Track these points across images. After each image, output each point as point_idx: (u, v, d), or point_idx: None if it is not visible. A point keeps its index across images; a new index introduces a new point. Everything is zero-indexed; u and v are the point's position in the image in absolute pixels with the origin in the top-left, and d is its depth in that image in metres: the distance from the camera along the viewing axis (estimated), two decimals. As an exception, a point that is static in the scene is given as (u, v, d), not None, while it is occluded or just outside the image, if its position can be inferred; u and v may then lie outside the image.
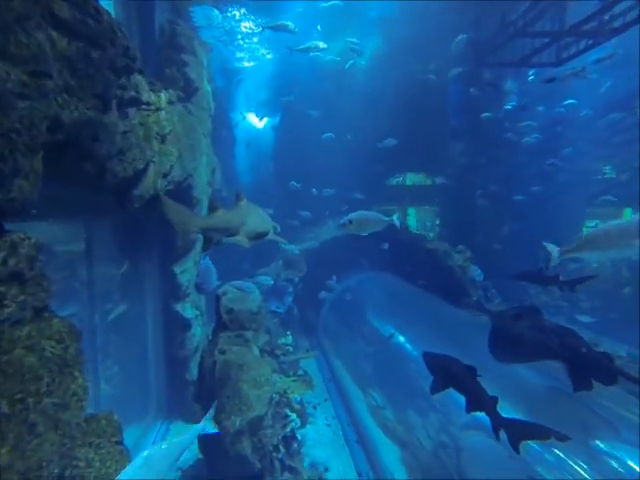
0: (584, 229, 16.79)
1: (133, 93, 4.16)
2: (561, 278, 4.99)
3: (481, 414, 2.90)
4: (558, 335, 3.14)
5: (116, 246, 7.31)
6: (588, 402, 5.44)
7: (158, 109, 5.38)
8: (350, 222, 3.77)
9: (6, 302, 2.00)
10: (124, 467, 2.52)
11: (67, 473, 2.10)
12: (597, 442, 5.15)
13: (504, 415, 2.82)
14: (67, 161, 3.11)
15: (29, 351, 2.02)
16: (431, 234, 16.95)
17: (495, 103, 13.12)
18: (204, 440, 4.81)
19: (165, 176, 5.66)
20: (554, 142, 12.65)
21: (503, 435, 2.75)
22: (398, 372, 8.62)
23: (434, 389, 2.94)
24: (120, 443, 2.56)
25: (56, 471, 1.96)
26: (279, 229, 4.09)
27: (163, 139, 5.56)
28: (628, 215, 16.27)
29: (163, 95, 5.59)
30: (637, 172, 13.41)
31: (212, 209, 3.36)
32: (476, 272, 10.94)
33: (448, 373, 2.92)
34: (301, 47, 9.87)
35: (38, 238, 2.27)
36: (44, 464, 1.86)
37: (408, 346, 9.14)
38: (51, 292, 2.39)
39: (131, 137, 4.50)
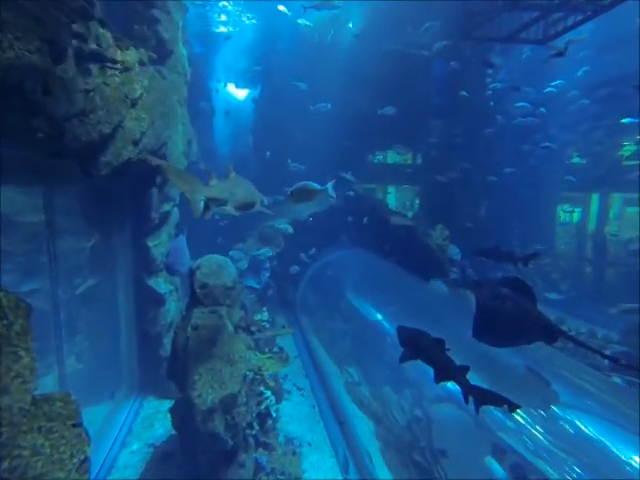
0: (559, 213, 17.19)
1: (94, 46, 3.77)
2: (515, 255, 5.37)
3: (452, 387, 3.04)
4: (513, 300, 3.31)
5: (84, 217, 6.92)
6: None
7: (126, 69, 4.97)
8: (291, 193, 3.81)
9: None
10: (82, 451, 2.34)
11: (4, 465, 1.89)
12: (553, 408, 5.44)
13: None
14: (12, 114, 2.76)
15: (-41, 328, 1.78)
16: (410, 213, 16.93)
17: (480, 81, 12.92)
18: (176, 416, 4.68)
19: (136, 143, 5.30)
20: (533, 125, 12.60)
21: (472, 406, 2.84)
22: (374, 349, 8.67)
23: (402, 359, 3.06)
24: (77, 425, 2.36)
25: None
26: (266, 202, 4.24)
27: (133, 103, 5.16)
28: (596, 201, 16.74)
29: (132, 53, 5.16)
30: (598, 158, 13.68)
31: (209, 179, 3.47)
32: (454, 251, 10.98)
33: (417, 345, 3.02)
34: (314, 3, 9.35)
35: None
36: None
37: (385, 324, 9.19)
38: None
39: (95, 97, 4.13)
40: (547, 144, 12.09)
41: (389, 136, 13.50)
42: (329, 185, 4.02)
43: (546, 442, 5.06)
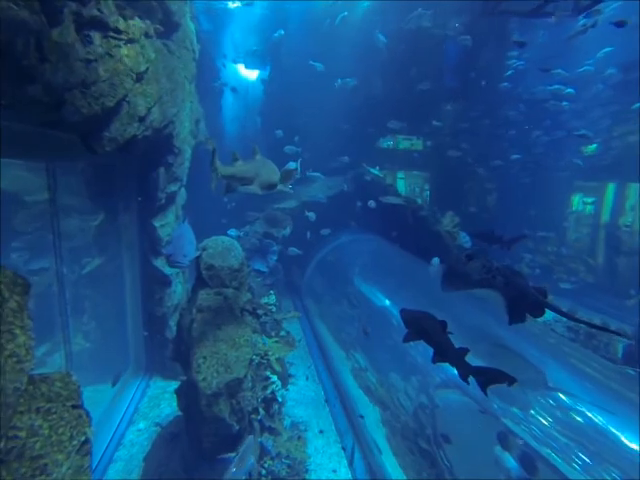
0: (573, 202, 16.79)
1: (94, 11, 3.57)
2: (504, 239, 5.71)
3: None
4: (504, 275, 3.40)
5: (89, 196, 6.84)
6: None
7: (131, 40, 4.76)
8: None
9: None
10: (82, 433, 2.26)
11: (0, 446, 1.80)
12: (562, 397, 5.36)
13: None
14: (3, 77, 2.60)
15: (-53, 303, 1.66)
16: (419, 200, 16.66)
17: (500, 61, 12.36)
18: (182, 397, 4.64)
19: (142, 120, 5.13)
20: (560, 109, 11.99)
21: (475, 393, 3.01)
22: (382, 335, 8.58)
23: (405, 339, 3.06)
24: (78, 407, 2.28)
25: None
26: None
27: (139, 78, 4.97)
28: (611, 191, 16.26)
29: (137, 24, 4.95)
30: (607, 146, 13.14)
31: (233, 159, 3.67)
32: (464, 239, 10.77)
33: (419, 325, 3.03)
34: None
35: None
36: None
37: (393, 310, 9.07)
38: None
39: (98, 68, 3.96)
40: (583, 131, 11.36)
41: (400, 120, 13.13)
42: (292, 163, 4.14)
43: (553, 430, 4.98)
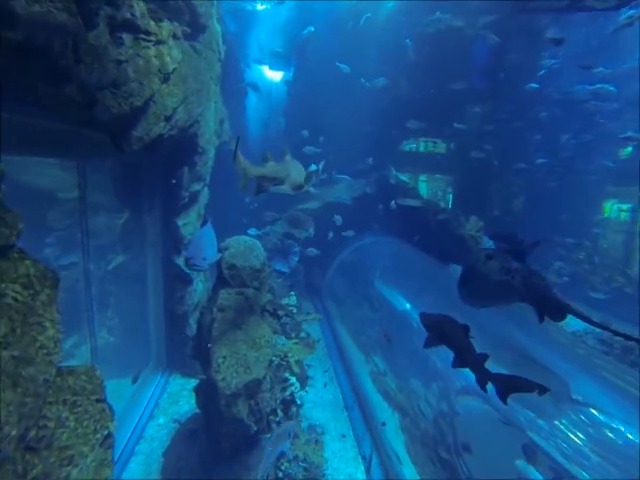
0: (605, 208, 16.13)
1: (127, 15, 3.65)
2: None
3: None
4: (523, 276, 3.33)
5: (116, 194, 6.99)
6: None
7: (160, 42, 4.85)
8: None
9: (-45, 236, 1.66)
10: (105, 427, 2.28)
11: (31, 434, 1.83)
12: (593, 411, 5.07)
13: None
14: (41, 78, 2.68)
15: (-17, 295, 1.70)
16: (442, 203, 16.38)
17: (531, 60, 11.91)
18: (201, 395, 4.67)
19: (168, 119, 5.20)
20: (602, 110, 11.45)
21: (497, 401, 2.75)
22: (402, 340, 8.46)
23: (427, 344, 3.01)
24: (101, 401, 2.31)
25: (13, 433, 1.69)
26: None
27: (166, 78, 5.05)
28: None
29: (166, 26, 5.03)
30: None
31: (264, 160, 3.76)
32: (488, 243, 10.51)
33: (440, 329, 2.98)
34: None
35: (1, 165, 1.89)
36: (-4, 426, 1.58)
37: (414, 314, 8.93)
38: (19, 230, 2.05)
39: (128, 69, 4.04)
40: (630, 133, 10.77)
41: (424, 122, 12.92)
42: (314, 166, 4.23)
43: (585, 448, 4.73)
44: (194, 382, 6.32)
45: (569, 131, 12.64)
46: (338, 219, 10.31)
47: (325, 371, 7.58)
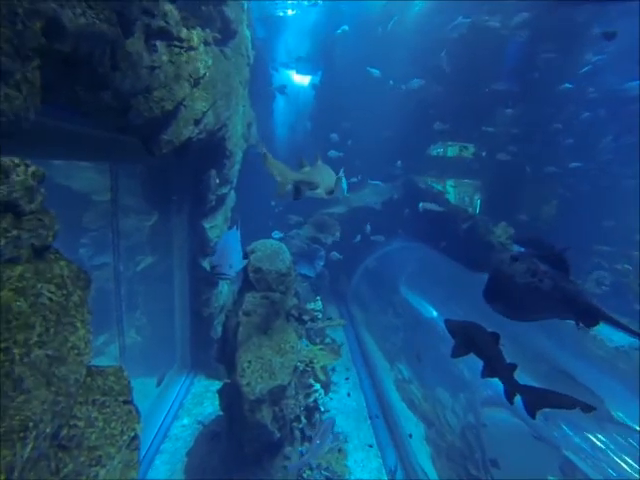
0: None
1: (162, 23, 3.71)
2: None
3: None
4: (552, 279, 3.16)
5: (145, 197, 7.14)
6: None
7: (191, 48, 4.93)
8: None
9: (-4, 236, 1.70)
10: (132, 428, 2.29)
11: (63, 433, 1.86)
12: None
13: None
14: (82, 86, 2.75)
15: (19, 294, 1.73)
16: (470, 209, 15.97)
17: (572, 59, 11.38)
18: (224, 398, 4.67)
19: (197, 123, 5.28)
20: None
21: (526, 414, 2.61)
22: (428, 347, 8.29)
23: (455, 353, 2.86)
24: (129, 402, 2.32)
25: (48, 430, 1.71)
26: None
27: (196, 83, 5.13)
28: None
29: (197, 33, 5.11)
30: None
31: (300, 165, 3.89)
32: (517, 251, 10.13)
33: (468, 337, 2.86)
34: None
35: (38, 167, 1.94)
36: (31, 424, 1.60)
37: (440, 322, 8.73)
38: (55, 231, 2.09)
39: (160, 75, 4.11)
40: None
41: (453, 125, 12.63)
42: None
43: (634, 471, 4.42)
44: (218, 384, 6.36)
45: (610, 133, 12.03)
46: (367, 227, 10.22)
47: (347, 379, 7.47)
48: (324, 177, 3.96)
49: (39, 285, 1.88)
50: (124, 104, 3.55)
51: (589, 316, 2.94)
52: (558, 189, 12.97)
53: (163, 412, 6.30)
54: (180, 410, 6.53)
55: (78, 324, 2.03)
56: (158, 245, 7.41)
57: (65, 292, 2.03)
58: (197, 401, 6.75)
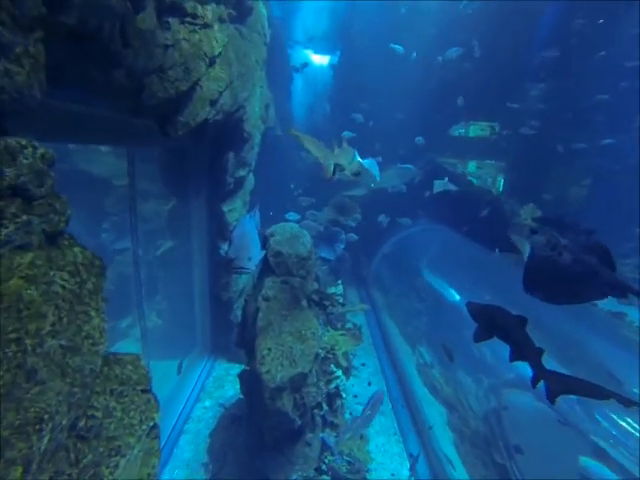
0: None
1: (175, -3, 3.55)
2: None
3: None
4: (573, 252, 3.08)
5: (163, 181, 7.10)
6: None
7: (206, 25, 4.75)
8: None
9: (4, 222, 1.62)
10: (151, 418, 2.25)
11: (81, 424, 1.81)
12: None
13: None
14: (94, 65, 2.65)
15: (30, 283, 1.66)
16: (493, 191, 15.43)
17: (612, 27, 10.58)
18: (245, 382, 4.65)
19: (213, 104, 5.13)
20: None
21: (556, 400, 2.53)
22: (450, 331, 8.12)
23: (477, 337, 2.79)
24: (147, 391, 2.27)
25: (64, 422, 1.66)
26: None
27: (211, 62, 4.97)
28: None
29: (212, 9, 4.92)
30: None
31: (331, 148, 3.88)
32: (542, 233, 9.71)
33: (493, 321, 2.77)
34: None
35: (48, 150, 1.84)
36: (46, 416, 1.54)
37: (463, 307, 8.52)
38: (68, 216, 2.01)
39: (174, 53, 3.97)
40: None
41: (477, 103, 12.09)
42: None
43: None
44: (239, 367, 6.39)
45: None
46: (382, 217, 9.95)
47: (363, 364, 7.37)
48: (350, 159, 3.96)
49: (51, 273, 1.80)
50: (137, 84, 3.43)
51: (615, 290, 2.88)
52: (590, 168, 12.31)
53: (185, 394, 6.38)
54: (202, 393, 6.60)
55: (92, 313, 1.96)
56: (177, 229, 7.40)
57: (79, 280, 1.96)
58: (218, 384, 6.81)
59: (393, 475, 5.12)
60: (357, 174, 4.07)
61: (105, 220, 8.93)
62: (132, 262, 5.89)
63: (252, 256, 3.53)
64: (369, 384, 6.96)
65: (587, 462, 4.90)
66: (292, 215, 8.99)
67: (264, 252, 4.28)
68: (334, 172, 3.76)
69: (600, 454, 5.17)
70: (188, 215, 6.99)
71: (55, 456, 1.67)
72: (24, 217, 1.73)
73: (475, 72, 11.18)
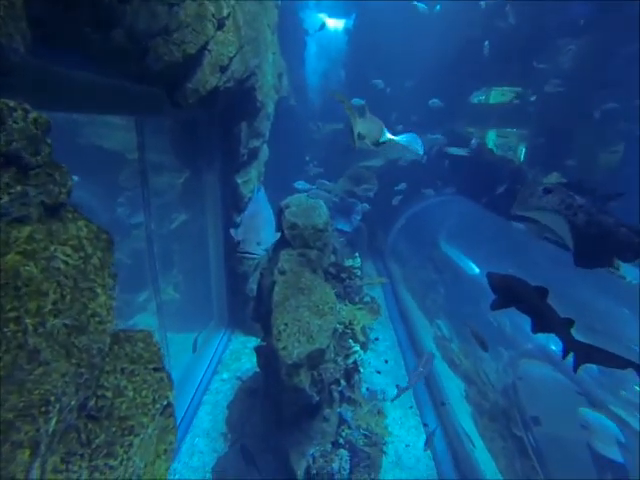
0: None
1: (177, -53, 3.27)
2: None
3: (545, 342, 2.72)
4: (587, 213, 3.12)
5: (176, 154, 6.95)
6: None
7: (213, -18, 4.45)
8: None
9: (-3, 193, 1.49)
10: (164, 396, 2.17)
11: (91, 404, 1.74)
12: None
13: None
14: (88, 24, 2.45)
15: (29, 258, 1.55)
16: (514, 160, 14.75)
17: None
18: (261, 356, 4.62)
19: (223, 70, 4.88)
20: None
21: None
22: (469, 304, 7.97)
23: (494, 306, 2.74)
24: (159, 370, 2.19)
25: (73, 403, 1.58)
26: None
27: (220, 24, 4.68)
28: None
29: (219, -35, 4.60)
30: None
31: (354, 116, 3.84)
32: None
33: (512, 292, 2.72)
34: None
35: (41, 114, 1.69)
36: (52, 398, 1.46)
37: (483, 279, 8.32)
38: (69, 187, 1.87)
39: (179, 13, 3.71)
40: None
41: (503, 66, 11.34)
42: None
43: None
44: (255, 341, 6.40)
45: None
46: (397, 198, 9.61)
47: (376, 339, 7.28)
48: (372, 129, 3.83)
49: (52, 247, 1.68)
50: (140, 46, 3.22)
51: (629, 249, 2.87)
52: (622, 133, 11.52)
53: (203, 366, 6.44)
54: (219, 365, 6.66)
55: (98, 290, 1.85)
56: (191, 202, 7.29)
57: (83, 255, 1.84)
58: (235, 357, 6.86)
59: (408, 446, 5.12)
60: (378, 144, 3.91)
61: (120, 195, 8.89)
62: (154, 237, 5.86)
63: (262, 240, 3.14)
64: (386, 362, 6.91)
65: (586, 412, 4.90)
66: (301, 184, 8.77)
67: (278, 234, 3.94)
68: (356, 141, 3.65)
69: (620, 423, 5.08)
70: (202, 187, 6.86)
71: (65, 437, 1.61)
72: (19, 187, 1.60)
73: (504, 30, 10.44)
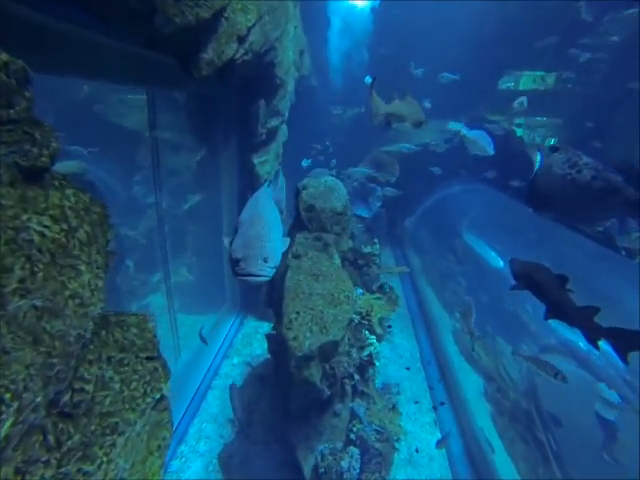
0: None
1: None
2: None
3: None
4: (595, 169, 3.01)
5: (191, 132, 6.71)
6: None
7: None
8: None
9: (-44, 150, 1.25)
10: (157, 389, 1.95)
11: (65, 399, 1.51)
12: None
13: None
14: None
15: (-10, 228, 1.31)
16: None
17: None
18: (272, 342, 4.41)
19: (241, 40, 4.58)
20: None
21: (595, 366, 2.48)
22: (490, 296, 7.60)
23: (513, 287, 2.84)
24: (153, 359, 1.96)
25: (39, 400, 1.35)
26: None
27: (237, -11, 4.36)
28: None
29: None
30: None
31: (391, 99, 3.95)
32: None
33: (531, 278, 2.73)
34: None
35: (14, 58, 1.43)
36: (7, 396, 1.22)
37: (507, 273, 7.92)
38: (53, 150, 1.62)
39: (191, -30, 3.42)
40: None
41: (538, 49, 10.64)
42: None
43: None
44: (268, 325, 6.22)
45: None
46: (437, 170, 9.17)
47: (389, 326, 6.99)
48: (411, 111, 4.00)
49: (24, 216, 1.44)
50: (148, 6, 2.95)
51: (634, 207, 2.82)
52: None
53: (214, 350, 6.31)
54: (230, 349, 6.53)
55: (82, 267, 1.61)
56: (206, 182, 7.08)
57: (66, 227, 1.59)
58: (246, 342, 6.71)
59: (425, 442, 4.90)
60: (419, 125, 4.09)
61: (137, 173, 8.79)
62: (169, 216, 5.68)
63: (269, 255, 2.27)
64: (401, 357, 6.63)
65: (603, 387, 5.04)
66: (306, 162, 8.53)
67: (288, 240, 3.01)
68: (388, 122, 3.79)
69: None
70: (217, 167, 6.63)
71: (25, 441, 1.35)
72: (-15, 145, 1.36)
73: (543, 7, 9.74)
